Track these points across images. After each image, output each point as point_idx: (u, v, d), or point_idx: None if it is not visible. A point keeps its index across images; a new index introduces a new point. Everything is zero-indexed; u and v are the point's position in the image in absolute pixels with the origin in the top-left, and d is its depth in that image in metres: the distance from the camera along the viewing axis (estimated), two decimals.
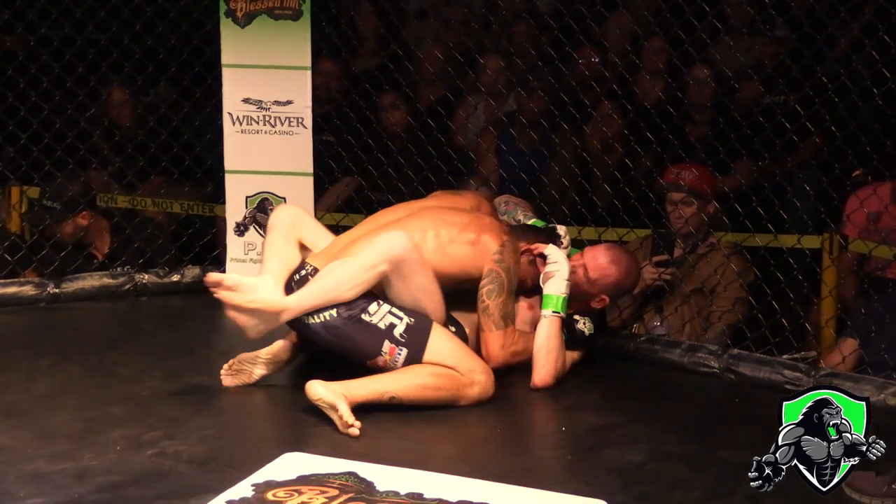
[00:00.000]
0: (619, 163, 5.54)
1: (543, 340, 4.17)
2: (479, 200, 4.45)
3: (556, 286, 4.21)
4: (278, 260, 4.07)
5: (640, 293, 5.10)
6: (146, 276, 5.39)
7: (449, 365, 3.95)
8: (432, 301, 4.02)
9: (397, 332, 3.94)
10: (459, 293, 4.16)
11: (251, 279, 3.93)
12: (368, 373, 3.95)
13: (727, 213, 5.15)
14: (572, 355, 4.33)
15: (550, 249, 4.28)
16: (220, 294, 3.90)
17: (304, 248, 4.18)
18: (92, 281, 5.31)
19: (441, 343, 3.98)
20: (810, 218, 5.06)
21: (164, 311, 5.20)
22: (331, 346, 3.99)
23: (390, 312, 3.96)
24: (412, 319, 3.97)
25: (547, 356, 4.17)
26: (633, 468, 3.56)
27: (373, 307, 3.94)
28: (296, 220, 4.20)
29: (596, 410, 4.09)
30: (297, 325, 4.02)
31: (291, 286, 4.01)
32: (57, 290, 5.21)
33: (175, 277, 5.44)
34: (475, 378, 3.98)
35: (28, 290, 5.19)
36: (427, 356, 3.95)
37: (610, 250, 4.41)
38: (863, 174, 5.20)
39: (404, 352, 3.94)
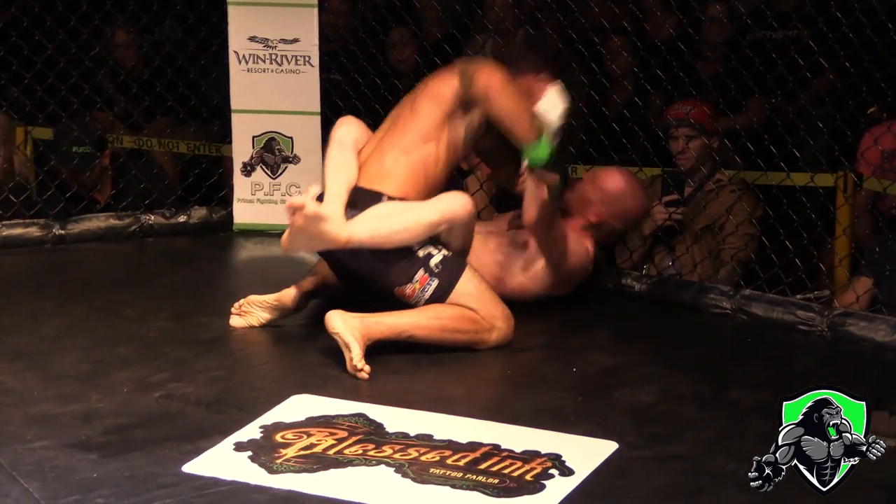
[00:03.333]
0: (629, 101, 5.48)
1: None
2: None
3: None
4: (344, 180, 3.98)
5: (651, 233, 5.08)
6: (152, 217, 5.35)
7: (472, 307, 3.93)
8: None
9: (433, 262, 3.91)
10: None
11: (325, 210, 3.82)
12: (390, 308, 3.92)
13: (739, 152, 5.10)
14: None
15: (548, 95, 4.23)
16: (295, 220, 3.81)
17: None
18: (98, 222, 5.28)
19: (469, 283, 3.95)
20: (823, 156, 5.01)
21: (170, 252, 5.18)
22: (363, 266, 3.93)
23: (430, 242, 3.93)
24: (449, 253, 3.95)
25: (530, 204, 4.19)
26: (644, 409, 3.54)
27: None
28: (359, 137, 4.15)
29: (607, 351, 4.06)
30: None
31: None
32: (62, 232, 5.18)
33: (181, 218, 5.41)
34: (496, 324, 3.96)
35: (33, 231, 5.15)
36: (454, 294, 3.92)
37: (623, 170, 4.60)
38: (877, 111, 5.15)
39: (434, 283, 3.91)
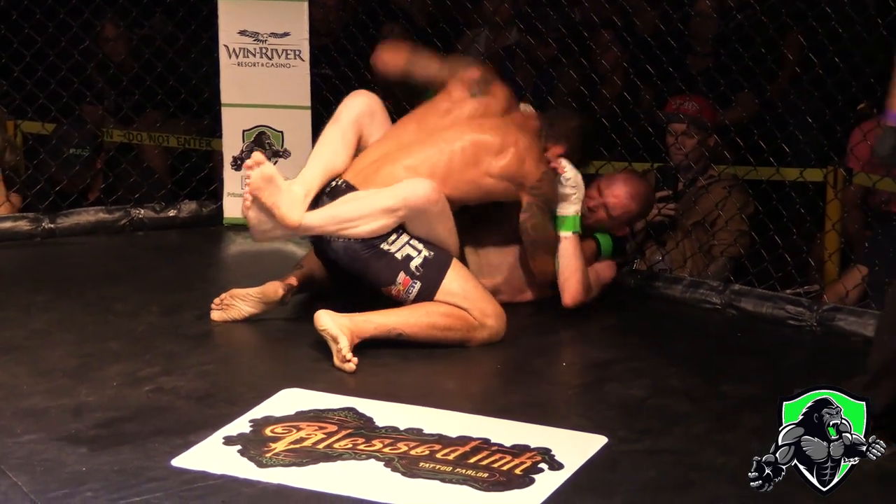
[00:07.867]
0: (619, 96, 5.48)
1: (567, 260, 4.20)
2: (510, 99, 4.29)
3: (571, 208, 4.22)
4: (322, 165, 3.99)
5: (642, 228, 5.07)
6: (142, 212, 5.34)
7: (461, 306, 3.91)
8: (446, 244, 3.99)
9: (413, 264, 3.90)
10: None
11: (284, 183, 3.85)
12: (379, 305, 3.92)
13: (729, 147, 5.09)
14: (605, 272, 4.39)
15: (569, 172, 4.22)
16: (252, 178, 3.83)
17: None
18: (87, 216, 5.26)
19: (456, 282, 3.93)
20: (813, 151, 5.01)
21: (160, 247, 5.16)
22: (346, 267, 3.96)
23: (409, 244, 3.91)
24: (431, 253, 3.92)
25: (573, 275, 4.20)
26: (634, 403, 3.55)
27: (392, 236, 3.90)
28: (365, 113, 4.14)
29: (597, 346, 4.07)
30: (318, 240, 4.00)
31: (322, 198, 3.95)
32: (52, 226, 5.16)
33: (171, 212, 5.40)
34: (486, 322, 3.95)
35: (23, 225, 5.14)
36: (440, 293, 3.90)
37: (628, 185, 4.42)
38: (867, 106, 5.14)
39: (417, 285, 3.90)
